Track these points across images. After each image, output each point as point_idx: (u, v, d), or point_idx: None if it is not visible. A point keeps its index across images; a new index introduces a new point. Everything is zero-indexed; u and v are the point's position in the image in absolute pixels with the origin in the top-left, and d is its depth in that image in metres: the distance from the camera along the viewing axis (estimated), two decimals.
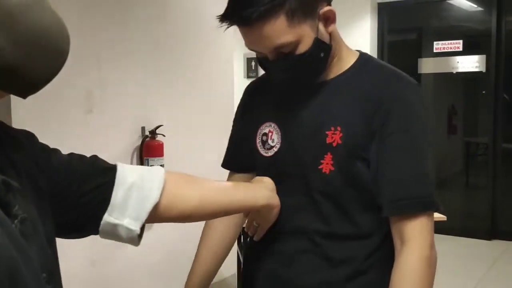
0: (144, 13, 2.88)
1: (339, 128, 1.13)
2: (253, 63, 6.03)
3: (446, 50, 5.20)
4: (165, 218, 0.94)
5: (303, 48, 1.08)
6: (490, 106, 5.09)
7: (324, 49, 1.12)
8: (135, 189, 0.85)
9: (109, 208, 0.83)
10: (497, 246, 4.98)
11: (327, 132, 1.14)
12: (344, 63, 1.20)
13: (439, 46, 5.22)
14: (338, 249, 1.17)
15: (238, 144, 1.34)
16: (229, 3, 1.11)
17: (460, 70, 5.20)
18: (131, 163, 2.86)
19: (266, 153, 1.23)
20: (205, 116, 3.37)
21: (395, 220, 1.11)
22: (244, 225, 1.30)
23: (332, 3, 1.15)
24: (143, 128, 2.88)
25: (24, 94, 0.69)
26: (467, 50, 5.13)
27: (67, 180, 0.81)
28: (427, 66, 5.39)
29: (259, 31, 1.06)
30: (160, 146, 2.91)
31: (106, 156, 2.96)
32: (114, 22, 2.70)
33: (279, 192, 1.19)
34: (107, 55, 2.65)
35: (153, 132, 2.88)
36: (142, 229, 0.88)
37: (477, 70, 5.12)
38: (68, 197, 0.80)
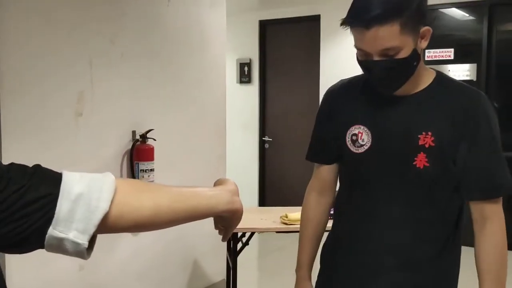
0: (137, 17, 2.87)
1: (429, 133, 1.40)
2: (245, 68, 6.03)
3: (437, 58, 5.24)
4: (118, 229, 0.89)
5: (403, 54, 1.34)
6: None
7: (417, 60, 1.39)
8: (82, 200, 0.80)
9: (54, 221, 0.78)
10: None
11: (419, 136, 1.40)
12: (425, 79, 1.45)
13: (430, 54, 5.26)
14: (424, 231, 1.45)
15: (322, 141, 1.61)
16: (353, 7, 1.36)
17: None
18: (121, 167, 2.85)
19: (356, 150, 1.48)
20: (197, 121, 3.36)
21: (478, 202, 1.43)
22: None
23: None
24: (133, 132, 2.87)
25: None
26: (458, 58, 5.17)
27: (3, 193, 0.75)
28: None
29: (376, 32, 1.30)
30: (151, 150, 2.90)
31: (96, 159, 2.94)
32: (106, 26, 2.69)
33: (373, 181, 1.47)
34: (99, 58, 2.64)
35: (144, 136, 2.88)
36: (93, 241, 0.83)
37: (468, 78, 5.15)
38: (5, 210, 0.75)
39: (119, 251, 2.81)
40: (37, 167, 0.82)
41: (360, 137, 1.49)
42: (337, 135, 1.53)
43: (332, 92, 1.61)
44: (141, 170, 2.88)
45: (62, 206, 0.79)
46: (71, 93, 2.50)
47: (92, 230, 0.81)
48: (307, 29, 5.51)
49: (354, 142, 1.50)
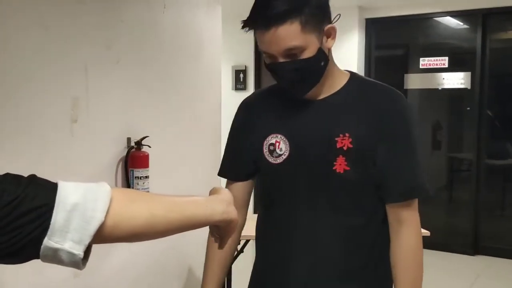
0: (133, 23, 2.88)
1: (347, 135, 1.35)
2: (241, 75, 6.05)
3: (432, 67, 5.27)
4: (114, 239, 0.89)
5: (308, 54, 1.29)
6: (474, 122, 5.16)
7: (324, 59, 1.34)
8: (77, 210, 0.80)
9: (49, 232, 0.78)
10: (480, 261, 5.01)
11: (336, 139, 1.35)
12: (337, 81, 1.41)
13: (425, 62, 5.29)
14: (356, 236, 1.41)
15: (237, 154, 1.52)
16: (252, 10, 1.33)
17: (446, 86, 5.27)
18: (116, 174, 2.84)
19: (274, 160, 1.42)
20: (192, 128, 3.36)
21: (395, 206, 1.40)
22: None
23: None
24: (128, 139, 2.87)
25: None
26: (453, 67, 5.21)
27: (3, 199, 0.75)
28: (413, 82, 5.45)
29: (275, 31, 1.26)
30: (146, 157, 2.89)
31: (91, 166, 2.94)
32: (101, 32, 2.69)
33: (293, 193, 1.41)
34: (95, 65, 2.64)
35: (139, 143, 2.87)
36: (88, 252, 0.83)
37: (462, 86, 5.19)
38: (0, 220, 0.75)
39: (115, 258, 2.79)
40: (32, 177, 0.81)
41: (278, 146, 1.42)
42: (253, 146, 1.46)
43: (247, 103, 1.55)
44: (135, 177, 2.87)
45: (58, 216, 0.78)
46: (66, 100, 2.50)
47: (87, 240, 0.80)
48: None
49: (271, 152, 1.42)
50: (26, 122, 2.33)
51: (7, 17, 2.20)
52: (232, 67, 6.01)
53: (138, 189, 2.87)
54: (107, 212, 0.83)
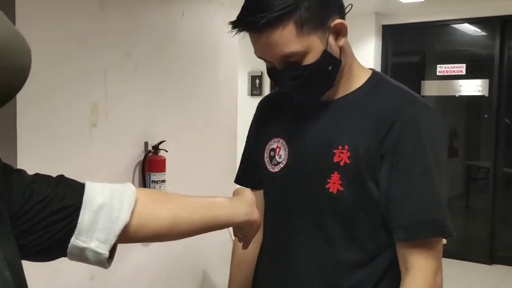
0: (151, 30, 2.92)
1: (346, 147, 1.11)
2: (257, 81, 6.08)
3: (449, 74, 5.24)
4: (138, 239, 0.92)
5: (310, 59, 1.08)
6: (491, 130, 5.11)
7: (333, 63, 1.11)
8: (104, 211, 0.82)
9: (76, 231, 0.80)
10: (497, 271, 4.96)
11: (334, 151, 1.12)
12: (355, 81, 1.18)
13: (442, 69, 5.26)
14: (345, 275, 1.14)
15: (250, 159, 1.34)
16: (241, 10, 1.12)
17: (463, 93, 5.24)
18: (133, 178, 2.87)
19: (273, 168, 1.22)
20: (209, 133, 3.39)
21: (402, 245, 1.08)
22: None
23: None
24: (146, 143, 2.91)
25: None
26: (470, 74, 5.17)
27: (28, 203, 0.77)
28: (430, 88, 5.43)
29: (268, 38, 1.06)
30: (163, 161, 2.92)
31: (109, 169, 2.99)
32: (120, 38, 2.73)
33: (284, 210, 1.20)
34: (114, 71, 2.69)
35: (156, 148, 2.90)
36: (113, 251, 0.85)
37: (479, 94, 5.15)
38: (29, 220, 0.77)
39: (130, 261, 2.83)
40: (61, 178, 0.85)
41: (278, 152, 1.22)
42: (260, 151, 1.27)
43: (261, 102, 1.36)
44: (152, 181, 2.91)
45: (85, 216, 0.81)
46: (85, 105, 2.54)
47: (113, 240, 0.83)
48: None
49: (271, 158, 1.23)
50: (48, 126, 2.37)
51: (31, 24, 2.26)
52: (248, 73, 6.04)
53: None
54: (132, 213, 0.86)
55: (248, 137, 1.38)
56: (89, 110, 2.58)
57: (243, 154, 1.39)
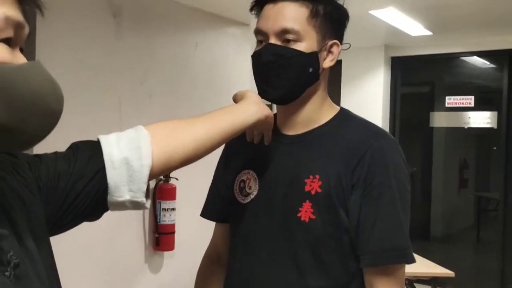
0: (165, 59, 2.98)
1: (317, 176, 1.14)
2: None
3: (458, 105, 5.26)
4: (170, 169, 0.95)
5: (301, 47, 1.14)
6: (501, 161, 5.10)
7: (314, 69, 1.17)
8: (126, 164, 0.86)
9: (109, 191, 0.86)
10: None
11: (305, 180, 1.15)
12: (324, 114, 1.23)
13: (451, 100, 5.29)
14: None
15: (217, 192, 1.36)
16: None
17: (472, 125, 5.25)
18: (149, 195, 2.90)
19: (243, 200, 1.25)
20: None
21: (369, 271, 1.13)
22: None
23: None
24: None
25: (16, 151, 0.73)
26: (479, 106, 5.19)
27: (57, 190, 0.82)
28: (439, 120, 5.45)
29: (281, 7, 1.14)
30: (173, 189, 2.95)
31: None
32: (135, 67, 2.80)
33: (254, 240, 1.22)
34: (128, 99, 2.74)
35: (167, 176, 2.93)
36: (148, 190, 0.89)
37: (488, 126, 5.16)
38: (66, 200, 0.82)
39: (147, 278, 2.83)
40: (76, 148, 0.89)
41: (248, 184, 1.25)
42: (228, 183, 1.30)
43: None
44: (163, 208, 2.93)
45: (111, 176, 0.86)
46: (99, 132, 2.58)
47: (144, 186, 0.88)
48: None
49: (241, 190, 1.26)
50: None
51: (49, 53, 2.32)
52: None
53: (164, 221, 2.92)
54: (155, 152, 0.89)
55: (216, 170, 1.40)
56: None
57: (210, 187, 1.41)
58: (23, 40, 0.67)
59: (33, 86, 0.64)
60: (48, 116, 0.67)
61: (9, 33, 0.63)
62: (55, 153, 0.88)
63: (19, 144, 0.67)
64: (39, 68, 0.66)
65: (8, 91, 0.61)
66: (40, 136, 0.67)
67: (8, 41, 0.63)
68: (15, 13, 0.64)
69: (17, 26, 0.64)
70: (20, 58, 0.65)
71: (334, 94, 5.59)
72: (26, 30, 0.66)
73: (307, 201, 1.14)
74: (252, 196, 1.23)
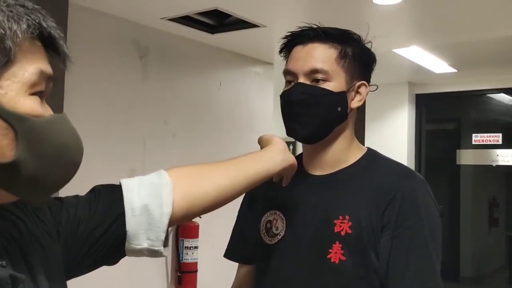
0: (189, 99, 3.02)
1: (347, 217, 1.13)
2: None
3: (485, 143, 5.18)
4: (190, 218, 0.95)
5: (330, 87, 1.16)
6: None
7: (343, 109, 1.18)
8: (146, 212, 0.85)
9: (127, 238, 0.85)
10: None
11: (335, 221, 1.14)
12: (352, 155, 1.23)
13: (478, 138, 5.21)
14: None
15: (242, 233, 1.35)
16: (295, 32, 1.22)
17: (500, 163, 5.15)
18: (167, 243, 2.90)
19: (270, 241, 1.23)
20: (241, 198, 3.40)
21: None
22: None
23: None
24: None
25: (37, 200, 0.75)
26: (507, 143, 5.10)
27: (77, 233, 0.83)
28: (466, 157, 5.36)
29: (310, 48, 1.17)
30: (196, 227, 2.94)
31: None
32: (159, 107, 2.84)
33: (283, 282, 1.19)
34: (152, 138, 2.77)
35: None
36: (166, 238, 0.88)
37: None
38: (84, 246, 0.83)
39: None
40: (98, 192, 0.89)
41: (275, 224, 1.23)
42: (253, 224, 1.29)
43: None
44: (185, 247, 2.91)
45: (130, 223, 0.85)
46: (123, 170, 2.61)
47: (163, 235, 0.87)
48: None
49: (268, 231, 1.25)
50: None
51: (78, 93, 2.37)
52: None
53: (187, 259, 2.90)
54: (174, 201, 0.88)
55: (240, 210, 1.39)
56: (127, 176, 2.64)
57: (234, 227, 1.39)
58: (50, 91, 0.70)
59: (61, 139, 0.68)
60: (71, 167, 0.70)
61: (42, 86, 0.67)
62: (76, 196, 0.88)
63: (41, 193, 0.70)
64: (66, 121, 0.70)
65: (40, 144, 0.65)
66: (60, 186, 0.70)
67: (39, 93, 0.67)
68: (47, 68, 0.68)
69: (48, 80, 0.68)
70: (48, 110, 0.69)
71: (359, 131, 5.56)
72: (53, 82, 0.70)
73: (337, 242, 1.13)
74: (279, 237, 1.22)
